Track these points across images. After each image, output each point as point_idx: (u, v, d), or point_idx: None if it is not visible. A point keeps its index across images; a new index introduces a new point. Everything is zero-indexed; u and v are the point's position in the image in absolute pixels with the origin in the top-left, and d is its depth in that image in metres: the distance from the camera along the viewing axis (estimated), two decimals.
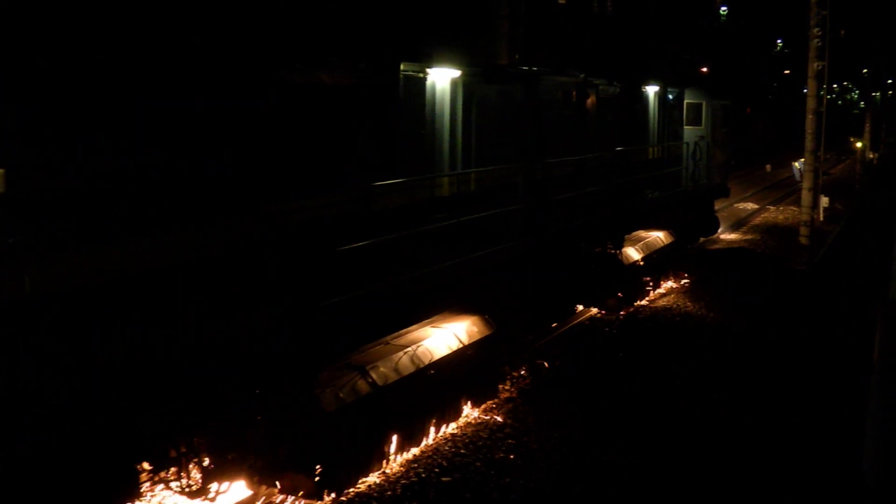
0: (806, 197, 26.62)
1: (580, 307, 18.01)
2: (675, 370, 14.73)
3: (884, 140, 66.21)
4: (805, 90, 27.97)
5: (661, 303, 19.12)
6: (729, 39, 74.34)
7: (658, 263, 19.99)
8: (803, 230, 26.22)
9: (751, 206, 36.92)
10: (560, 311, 16.16)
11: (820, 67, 26.63)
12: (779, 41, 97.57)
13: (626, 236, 19.76)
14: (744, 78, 71.89)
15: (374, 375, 10.92)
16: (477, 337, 12.86)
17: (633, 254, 18.58)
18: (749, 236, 29.44)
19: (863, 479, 8.23)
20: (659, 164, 21.18)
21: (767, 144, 72.87)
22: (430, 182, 12.22)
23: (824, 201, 30.96)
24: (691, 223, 23.59)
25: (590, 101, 17.34)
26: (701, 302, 19.35)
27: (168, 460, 8.86)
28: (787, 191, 43.71)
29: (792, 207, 35.01)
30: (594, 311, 18.08)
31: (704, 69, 36.64)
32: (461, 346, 12.45)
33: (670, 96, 22.09)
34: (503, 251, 13.69)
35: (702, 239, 26.13)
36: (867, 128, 53.97)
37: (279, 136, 9.73)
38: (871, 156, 52.75)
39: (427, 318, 12.69)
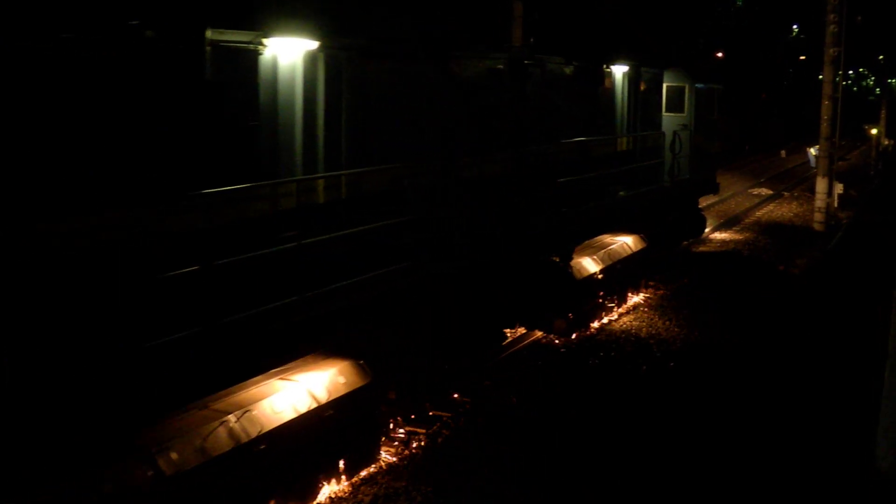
0: (821, 183, 26.52)
1: (522, 330, 14.61)
2: (622, 411, 11.34)
3: None
4: (821, 76, 27.71)
5: (624, 322, 15.63)
6: (740, 22, 70.70)
7: (624, 275, 16.51)
8: (818, 216, 26.21)
9: (765, 191, 35.73)
10: (480, 344, 12.66)
11: (836, 53, 26.00)
12: (794, 27, 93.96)
13: (587, 243, 16.31)
14: (754, 62, 68.25)
15: (162, 461, 7.65)
16: (343, 391, 9.51)
17: (588, 265, 15.11)
18: (745, 235, 26.02)
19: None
20: (629, 158, 17.65)
21: (782, 130, 69.44)
22: (270, 191, 8.83)
23: (839, 188, 29.06)
24: (671, 225, 20.03)
25: (531, 82, 13.89)
26: (673, 320, 15.84)
27: None
28: (800, 177, 42.21)
29: (806, 194, 33.69)
30: (540, 334, 14.66)
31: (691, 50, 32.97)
32: (316, 405, 9.13)
33: (645, 78, 18.57)
34: (390, 276, 10.31)
35: (686, 242, 22.53)
36: (883, 114, 50.91)
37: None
38: (887, 142, 49.32)
39: (277, 367, 9.39)
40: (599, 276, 15.30)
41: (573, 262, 14.66)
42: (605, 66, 16.54)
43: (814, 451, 10.15)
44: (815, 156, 31.83)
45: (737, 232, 26.15)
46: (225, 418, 8.36)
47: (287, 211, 9.01)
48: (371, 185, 10.20)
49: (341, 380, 9.61)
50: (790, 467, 9.90)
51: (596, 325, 15.32)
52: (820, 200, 26.64)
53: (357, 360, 9.87)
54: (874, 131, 50.82)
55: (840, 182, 29.79)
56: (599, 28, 17.02)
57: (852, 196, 32.16)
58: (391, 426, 10.76)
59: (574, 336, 14.55)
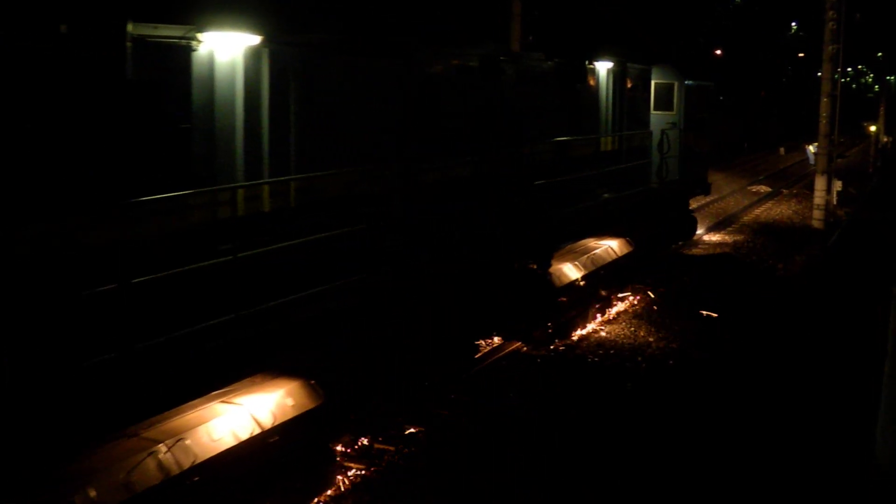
0: (819, 181, 26.33)
1: (499, 340, 13.84)
2: (608, 432, 10.55)
3: None
4: (819, 73, 27.70)
5: (608, 332, 14.84)
6: (738, 21, 70.01)
7: (608, 280, 15.74)
8: (817, 214, 26.03)
9: (763, 188, 35.66)
10: (447, 359, 11.85)
11: (834, 51, 25.90)
12: (793, 24, 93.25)
13: (569, 247, 15.57)
14: (753, 61, 67.57)
15: (79, 499, 6.88)
16: (292, 414, 8.75)
17: (569, 271, 14.34)
18: (742, 234, 25.40)
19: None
20: (614, 158, 16.88)
21: (781, 127, 68.92)
22: (204, 199, 8.07)
23: (838, 185, 29.05)
24: (660, 227, 19.24)
25: (506, 80, 13.12)
26: (660, 328, 15.07)
27: None
28: (799, 174, 41.98)
29: (805, 191, 33.15)
30: (518, 344, 13.87)
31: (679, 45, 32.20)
32: (260, 430, 8.38)
33: (632, 75, 17.79)
34: (344, 288, 9.54)
35: (677, 245, 21.74)
36: (881, 111, 50.07)
37: None
38: (886, 140, 48.78)
39: (220, 389, 8.64)
40: (581, 283, 14.52)
41: (553, 269, 13.89)
42: (587, 62, 15.76)
43: (814, 448, 9.90)
44: (814, 153, 31.70)
45: (734, 230, 25.71)
46: (154, 448, 7.60)
47: (225, 220, 8.26)
48: (323, 191, 9.44)
49: (289, 402, 8.85)
50: (790, 462, 9.65)
51: (578, 334, 14.54)
52: (819, 198, 26.40)
53: (308, 379, 9.13)
54: (873, 128, 50.41)
55: (839, 179, 29.68)
56: (582, 23, 16.22)
57: (851, 193, 31.88)
58: (345, 450, 9.96)
59: (554, 346, 13.77)
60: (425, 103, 11.17)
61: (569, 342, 14.07)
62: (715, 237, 24.36)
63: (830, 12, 26.07)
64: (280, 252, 8.66)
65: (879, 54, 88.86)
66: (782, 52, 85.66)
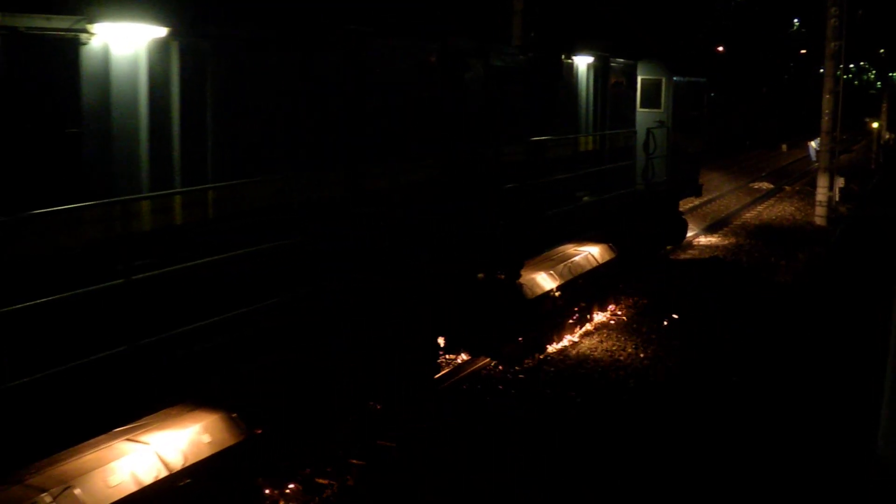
0: (822, 177, 26.26)
1: (466, 356, 12.81)
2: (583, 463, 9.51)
3: None
4: (822, 70, 27.58)
5: (586, 346, 13.78)
6: (739, 21, 69.06)
7: (588, 290, 14.70)
8: (819, 210, 26.09)
9: (766, 185, 35.30)
10: (399, 382, 10.78)
11: (837, 47, 25.73)
12: (795, 21, 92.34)
13: (546, 255, 14.53)
14: (754, 60, 66.59)
15: None
16: (207, 452, 7.74)
17: (543, 281, 13.30)
18: (744, 230, 24.74)
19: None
20: (595, 159, 15.83)
21: (783, 124, 67.98)
22: (96, 213, 7.05)
23: (840, 182, 28.60)
24: (646, 231, 18.19)
25: (472, 76, 12.10)
26: (643, 341, 14.03)
27: None
28: (801, 171, 41.71)
29: (807, 188, 32.82)
30: (486, 361, 12.83)
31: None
32: (167, 473, 7.36)
33: (615, 70, 16.73)
34: (274, 309, 8.51)
35: (666, 249, 20.65)
36: (884, 108, 48.93)
37: None
38: (888, 136, 47.75)
39: (129, 424, 7.64)
40: (557, 294, 13.48)
41: (524, 279, 12.85)
42: (564, 56, 14.71)
43: (816, 442, 9.84)
44: (816, 149, 31.88)
45: (736, 228, 25.21)
46: (36, 498, 6.62)
47: (128, 236, 7.24)
48: (248, 200, 8.42)
49: (206, 439, 7.84)
50: (791, 458, 9.56)
51: (553, 348, 13.50)
52: (821, 195, 26.30)
53: (230, 413, 8.12)
54: (875, 125, 49.27)
55: (841, 176, 29.19)
56: (560, 16, 15.17)
57: (854, 190, 31.32)
58: (274, 491, 8.92)
59: (525, 363, 12.73)
60: (375, 103, 10.15)
61: (542, 358, 13.04)
62: (713, 238, 23.53)
63: (832, 9, 25.80)
64: (193, 270, 7.65)
65: (882, 51, 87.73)
66: (784, 50, 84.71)
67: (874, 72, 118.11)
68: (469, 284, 11.92)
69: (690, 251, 21.38)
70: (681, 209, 25.67)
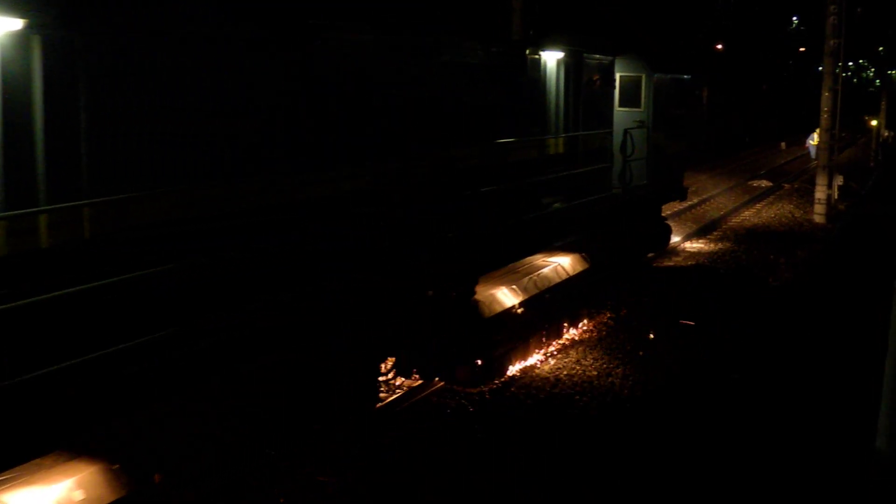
0: (821, 175, 26.28)
1: (418, 381, 11.67)
2: None
3: None
4: (821, 68, 27.50)
5: (552, 366, 12.60)
6: (738, 20, 68.05)
7: (556, 305, 13.53)
8: (818, 208, 26.12)
9: (765, 183, 34.95)
10: (327, 417, 9.60)
11: (836, 45, 25.72)
12: (794, 18, 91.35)
13: (510, 266, 13.37)
14: (754, 60, 65.60)
15: None
16: None
17: (503, 297, 12.13)
18: (743, 229, 24.01)
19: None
20: (566, 162, 14.66)
21: (782, 122, 67.16)
22: None
23: (839, 179, 28.40)
24: (624, 239, 17.02)
25: (417, 73, 10.95)
26: (617, 361, 12.89)
27: None
28: (800, 168, 41.42)
29: (806, 185, 32.81)
30: (440, 385, 11.68)
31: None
32: None
33: (590, 67, 15.56)
34: (168, 343, 7.36)
35: (646, 257, 19.47)
36: (883, 106, 48.20)
37: None
38: (887, 134, 46.97)
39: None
40: (519, 311, 12.32)
41: (481, 295, 11.69)
42: (530, 51, 13.55)
43: (816, 442, 9.74)
44: (815, 146, 31.77)
45: (732, 227, 24.67)
46: None
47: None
48: (134, 217, 7.27)
49: (78, 496, 6.71)
50: (791, 457, 9.43)
51: (515, 369, 12.34)
52: (820, 192, 26.29)
53: (111, 463, 6.98)
54: (874, 123, 48.86)
55: (840, 174, 28.89)
56: (525, 7, 14.00)
57: (853, 188, 31.14)
58: None
59: (481, 387, 11.59)
60: (300, 103, 9.00)
61: (500, 381, 11.89)
62: (712, 238, 22.71)
63: (831, 7, 25.67)
64: (65, 301, 6.52)
65: (881, 49, 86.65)
66: (783, 48, 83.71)
67: (873, 70, 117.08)
68: (416, 302, 10.77)
69: (675, 258, 20.21)
70: (679, 210, 24.68)
